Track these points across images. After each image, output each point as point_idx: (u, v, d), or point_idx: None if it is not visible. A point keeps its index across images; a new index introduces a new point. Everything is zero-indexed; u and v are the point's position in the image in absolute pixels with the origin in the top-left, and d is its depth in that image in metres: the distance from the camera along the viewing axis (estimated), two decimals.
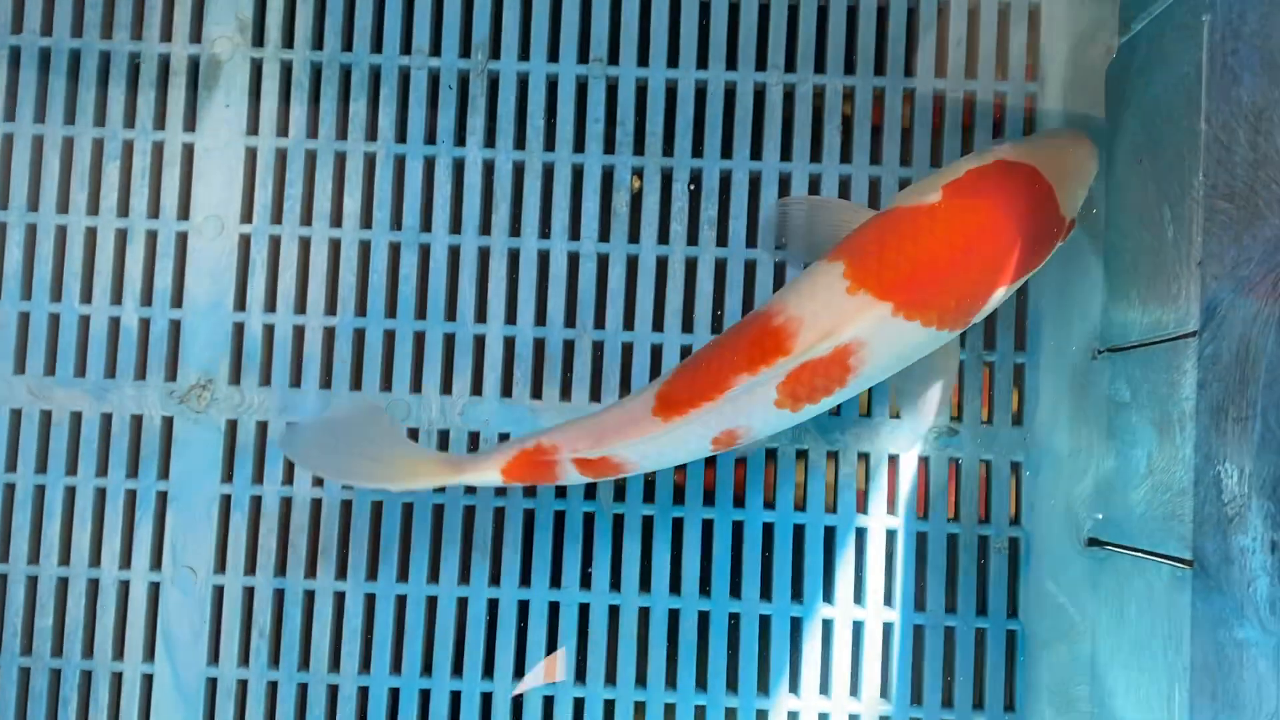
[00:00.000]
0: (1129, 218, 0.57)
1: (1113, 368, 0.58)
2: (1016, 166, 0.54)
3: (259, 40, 0.64)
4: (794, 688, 0.62)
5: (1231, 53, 0.47)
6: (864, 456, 0.63)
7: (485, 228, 0.64)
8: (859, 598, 0.63)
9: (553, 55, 0.65)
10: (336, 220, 0.64)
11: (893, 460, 0.63)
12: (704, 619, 0.62)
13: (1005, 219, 0.53)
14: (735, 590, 0.62)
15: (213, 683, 0.62)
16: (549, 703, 0.62)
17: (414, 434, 0.63)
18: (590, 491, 0.63)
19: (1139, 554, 0.54)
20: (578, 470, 0.55)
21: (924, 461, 0.63)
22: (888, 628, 0.62)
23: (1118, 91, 0.59)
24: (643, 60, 0.65)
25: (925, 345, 0.53)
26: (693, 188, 0.64)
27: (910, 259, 0.52)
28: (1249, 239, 0.45)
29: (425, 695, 0.62)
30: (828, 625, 0.62)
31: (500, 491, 0.63)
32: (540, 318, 0.64)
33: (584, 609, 0.62)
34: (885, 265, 0.52)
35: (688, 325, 0.64)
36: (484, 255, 0.64)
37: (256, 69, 0.64)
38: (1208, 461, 0.47)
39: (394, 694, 0.62)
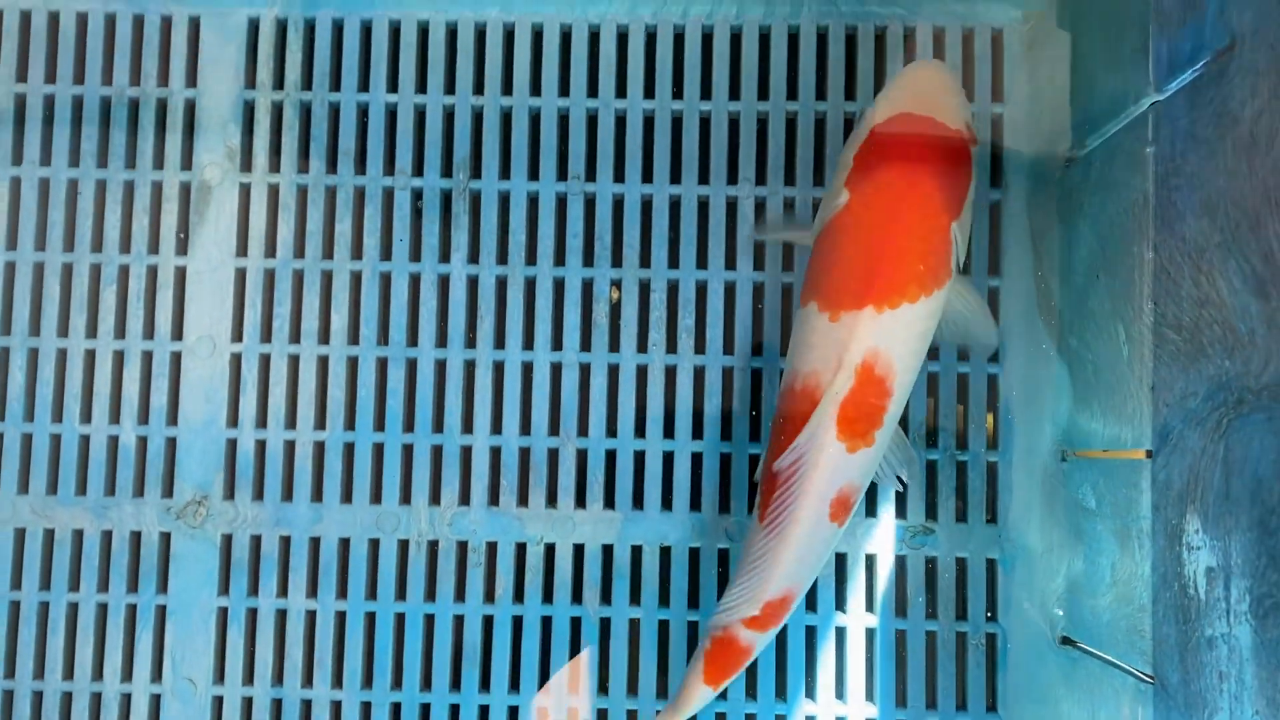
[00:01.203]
0: (1089, 329, 0.59)
1: (1079, 473, 0.60)
2: (890, 124, 0.56)
3: (247, 165, 0.67)
4: None
5: (1175, 189, 0.49)
6: (841, 557, 0.65)
7: (470, 341, 0.66)
8: (840, 694, 0.64)
9: (533, 173, 0.67)
10: (325, 337, 0.66)
11: (870, 560, 0.65)
12: None
13: (910, 174, 0.55)
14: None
15: None
16: None
17: (404, 546, 0.65)
18: (577, 595, 0.65)
19: (1106, 661, 0.56)
20: (754, 629, 0.56)
21: (901, 560, 0.65)
22: None
23: (1076, 202, 0.61)
24: (619, 176, 0.67)
25: (929, 314, 0.55)
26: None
27: (859, 262, 0.54)
28: (1195, 373, 0.47)
29: None
30: None
31: (489, 598, 0.65)
32: (525, 427, 0.66)
33: None
34: (844, 279, 0.54)
35: (669, 431, 0.66)
36: (469, 368, 0.66)
37: (245, 193, 0.67)
38: (1164, 583, 0.49)
39: None
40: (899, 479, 0.59)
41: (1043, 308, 0.64)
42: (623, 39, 0.67)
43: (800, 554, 0.55)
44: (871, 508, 0.65)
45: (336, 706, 0.65)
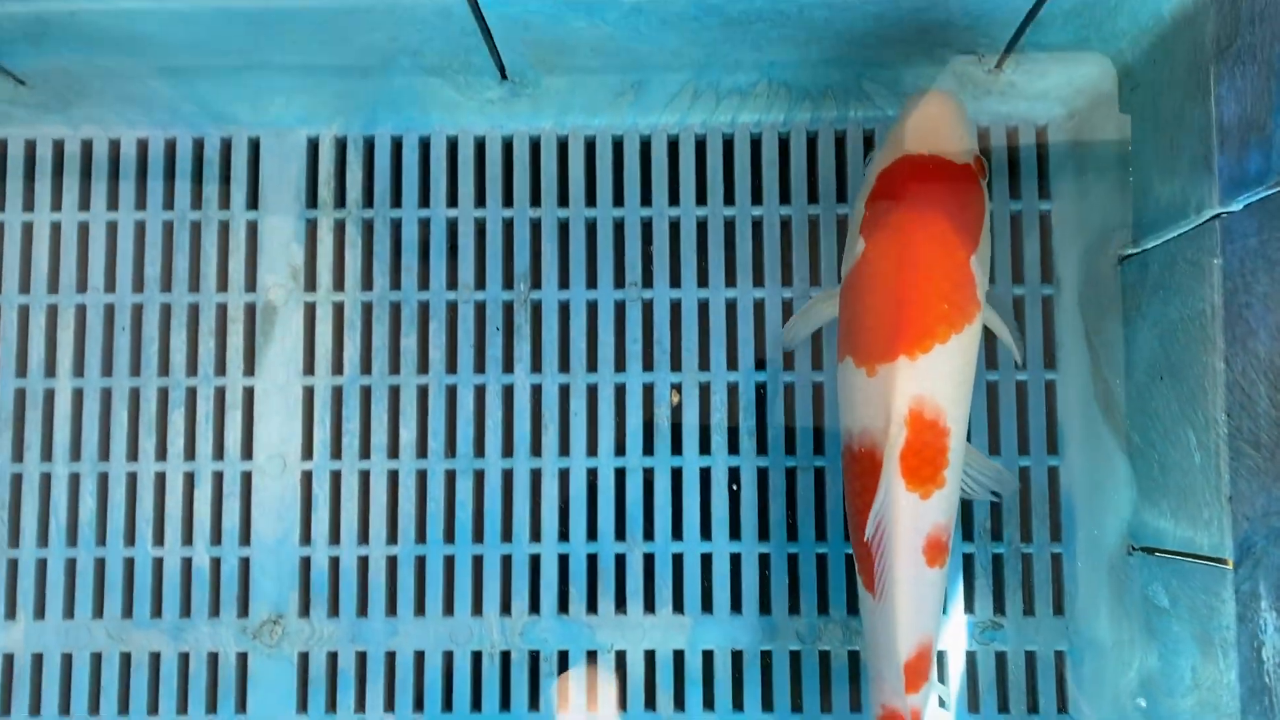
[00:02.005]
0: (1153, 429, 0.60)
1: (1148, 569, 0.61)
2: (895, 166, 0.56)
3: (311, 285, 0.68)
4: None
5: (1246, 305, 0.50)
6: None
7: (535, 449, 0.67)
8: None
9: (591, 282, 0.68)
10: (394, 451, 0.67)
11: (941, 656, 0.65)
12: None
13: (920, 214, 0.55)
14: None
15: None
16: None
17: (477, 657, 0.66)
18: (650, 702, 0.65)
19: None
20: (909, 694, 0.56)
21: (971, 655, 0.65)
22: None
23: (1134, 301, 0.62)
24: (675, 282, 0.68)
25: (964, 348, 0.55)
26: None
27: (882, 312, 0.55)
28: (1279, 493, 0.48)
29: None
30: None
31: (562, 707, 0.65)
32: (591, 533, 0.67)
33: None
34: (872, 332, 0.55)
35: (734, 533, 0.66)
36: (535, 476, 0.67)
37: (310, 312, 0.68)
38: (1253, 695, 0.50)
39: None
40: (994, 494, 0.60)
41: (1101, 401, 0.65)
42: (673, 147, 0.68)
43: (916, 608, 0.56)
44: (942, 604, 0.66)
45: None
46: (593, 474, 0.67)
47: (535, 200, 0.68)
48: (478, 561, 0.66)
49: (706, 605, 0.66)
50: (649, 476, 0.67)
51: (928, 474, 0.55)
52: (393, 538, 0.67)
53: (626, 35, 0.60)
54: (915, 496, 0.55)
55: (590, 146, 0.69)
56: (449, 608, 0.66)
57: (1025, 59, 0.65)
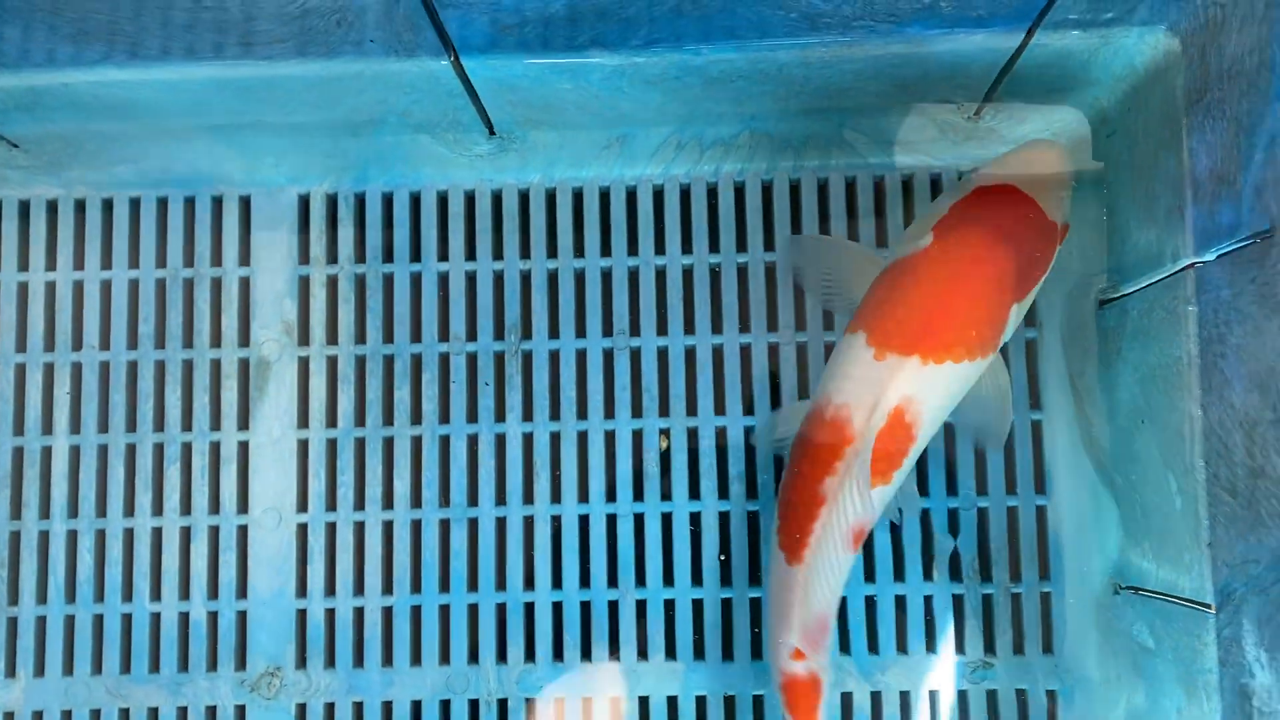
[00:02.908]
0: (1135, 472, 0.61)
1: (1134, 609, 0.61)
2: (995, 189, 0.57)
3: (304, 339, 0.69)
4: None
5: (1221, 355, 0.51)
6: (905, 694, 0.66)
7: (528, 497, 0.68)
8: None
9: (580, 331, 0.69)
10: (388, 503, 0.68)
11: (933, 696, 0.66)
12: None
13: (997, 242, 0.56)
14: None
15: None
16: None
17: (474, 705, 0.66)
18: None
19: None
20: (803, 658, 0.58)
21: (963, 695, 0.66)
22: None
23: (1115, 345, 0.63)
24: (662, 329, 0.69)
25: (966, 378, 0.56)
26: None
27: (920, 308, 0.55)
28: (1255, 542, 0.48)
29: None
30: None
31: None
32: (585, 580, 0.67)
33: None
34: (900, 322, 0.55)
35: (725, 579, 0.67)
36: (528, 524, 0.68)
37: (304, 366, 0.69)
38: None
39: None
40: (899, 512, 0.62)
41: (1086, 442, 0.66)
42: (659, 198, 0.69)
43: (826, 581, 0.57)
44: (931, 643, 0.66)
45: None
46: (584, 521, 0.68)
47: (525, 252, 0.69)
48: (473, 610, 0.67)
49: (699, 651, 0.67)
50: (640, 522, 0.68)
51: (882, 468, 0.56)
52: (388, 588, 0.67)
53: (610, 94, 0.61)
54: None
55: (578, 198, 0.70)
56: (445, 656, 0.67)
57: (1003, 107, 0.66)
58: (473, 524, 0.68)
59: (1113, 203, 0.64)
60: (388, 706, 0.67)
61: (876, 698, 0.66)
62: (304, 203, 0.70)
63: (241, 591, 0.67)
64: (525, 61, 0.56)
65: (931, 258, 0.56)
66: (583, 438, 0.68)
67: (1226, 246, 0.51)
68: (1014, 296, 0.57)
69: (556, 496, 0.68)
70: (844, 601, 0.65)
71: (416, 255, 0.69)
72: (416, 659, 0.67)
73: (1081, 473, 0.66)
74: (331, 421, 0.68)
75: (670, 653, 0.67)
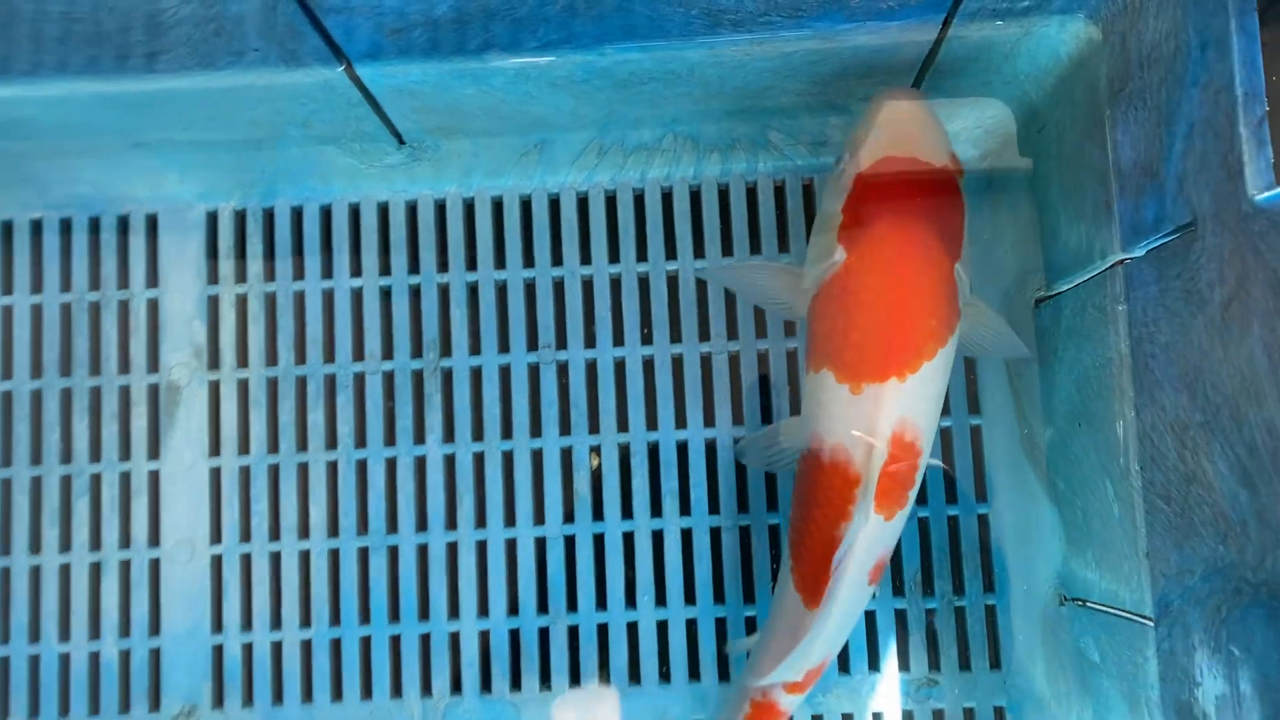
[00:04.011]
0: (1075, 476, 0.58)
1: (1079, 622, 0.59)
2: (875, 170, 0.54)
3: (215, 363, 0.66)
4: None
5: (1151, 355, 0.49)
6: (848, 717, 0.63)
7: (451, 522, 0.65)
8: None
9: (503, 346, 0.66)
10: (304, 532, 0.65)
11: (877, 717, 0.63)
12: None
13: (907, 226, 0.53)
14: None
15: None
16: None
17: None
18: None
19: None
20: (795, 694, 0.56)
21: (908, 715, 0.63)
22: None
23: (1050, 345, 0.61)
24: (589, 342, 0.66)
25: (947, 362, 0.53)
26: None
27: (873, 330, 0.52)
28: (1190, 551, 0.46)
29: None
30: None
31: None
32: (513, 607, 0.64)
33: None
34: (861, 351, 0.52)
35: (660, 599, 0.64)
36: (452, 550, 0.65)
37: (214, 390, 0.66)
38: None
39: None
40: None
41: (1026, 446, 0.64)
42: (583, 205, 0.67)
43: (842, 623, 0.54)
44: (875, 662, 0.64)
45: None
46: (511, 545, 0.65)
47: (442, 265, 0.67)
48: (395, 642, 0.64)
49: (634, 676, 0.64)
50: (570, 545, 0.65)
51: (896, 496, 0.53)
52: (306, 621, 0.64)
53: (518, 99, 0.59)
54: (880, 519, 0.52)
55: (497, 207, 0.67)
56: (367, 691, 0.64)
57: (934, 104, 0.64)
58: (393, 552, 0.65)
59: (1044, 198, 0.62)
60: None
61: None
62: (212, 220, 0.67)
63: (154, 628, 0.64)
64: (418, 67, 0.53)
65: (854, 273, 0.53)
66: (508, 458, 0.66)
67: (1152, 242, 0.49)
68: (952, 260, 0.54)
69: (481, 521, 0.65)
70: None
71: (329, 271, 0.67)
72: (338, 694, 0.64)
73: (1023, 479, 0.64)
74: (244, 448, 0.66)
75: (604, 678, 0.64)
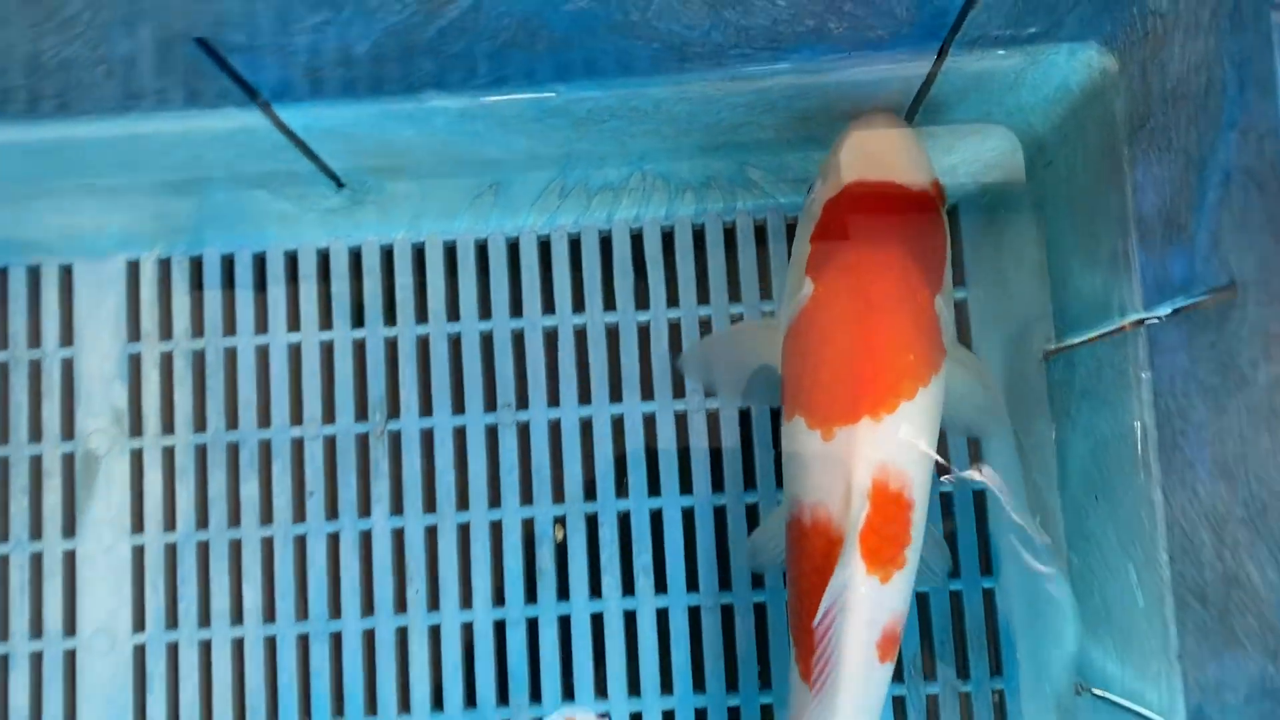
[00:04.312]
0: (1093, 554, 0.52)
1: (1098, 716, 0.53)
2: (844, 195, 0.49)
3: (137, 429, 0.60)
4: None
5: (1181, 433, 0.43)
6: None
7: (400, 605, 0.59)
8: None
9: (457, 406, 0.60)
10: (237, 617, 0.58)
11: None
12: None
13: (878, 253, 0.48)
14: None
15: None
16: None
17: None
18: None
19: None
20: None
21: None
22: None
23: (1062, 405, 0.55)
24: (553, 400, 0.60)
25: (933, 402, 0.48)
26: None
27: (841, 366, 0.47)
28: (1231, 663, 0.40)
29: None
30: None
31: None
32: (470, 699, 0.58)
33: None
34: (829, 390, 0.47)
35: (633, 688, 0.58)
36: (402, 636, 0.59)
37: (137, 460, 0.59)
38: None
39: None
40: (934, 573, 0.52)
41: (1036, 511, 0.58)
42: (545, 249, 0.61)
43: (857, 706, 0.47)
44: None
45: None
46: (468, 629, 0.59)
47: (390, 317, 0.60)
48: None
49: None
50: (533, 627, 0.59)
51: (889, 554, 0.46)
52: (240, 715, 0.58)
53: (466, 140, 0.53)
54: (874, 580, 0.46)
55: (450, 253, 0.61)
56: None
57: (927, 133, 0.58)
58: (336, 639, 0.58)
59: (1053, 240, 0.56)
60: None
61: None
62: (133, 270, 0.60)
63: None
64: (348, 108, 0.47)
65: (823, 305, 0.48)
66: (464, 531, 0.59)
67: (1179, 303, 0.43)
68: (930, 292, 0.48)
69: (434, 602, 0.59)
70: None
71: (263, 325, 0.60)
72: None
73: (1030, 550, 0.57)
74: (170, 523, 0.59)
75: None
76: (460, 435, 0.60)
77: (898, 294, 0.48)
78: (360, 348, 0.60)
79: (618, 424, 0.60)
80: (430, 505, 0.60)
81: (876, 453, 0.46)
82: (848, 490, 0.46)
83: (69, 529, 0.59)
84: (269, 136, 0.50)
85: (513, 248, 0.61)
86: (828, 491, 0.47)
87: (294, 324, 0.60)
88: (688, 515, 0.59)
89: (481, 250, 0.61)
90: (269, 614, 0.59)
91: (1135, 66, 0.45)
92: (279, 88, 0.45)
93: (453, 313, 0.61)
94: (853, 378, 0.47)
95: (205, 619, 0.58)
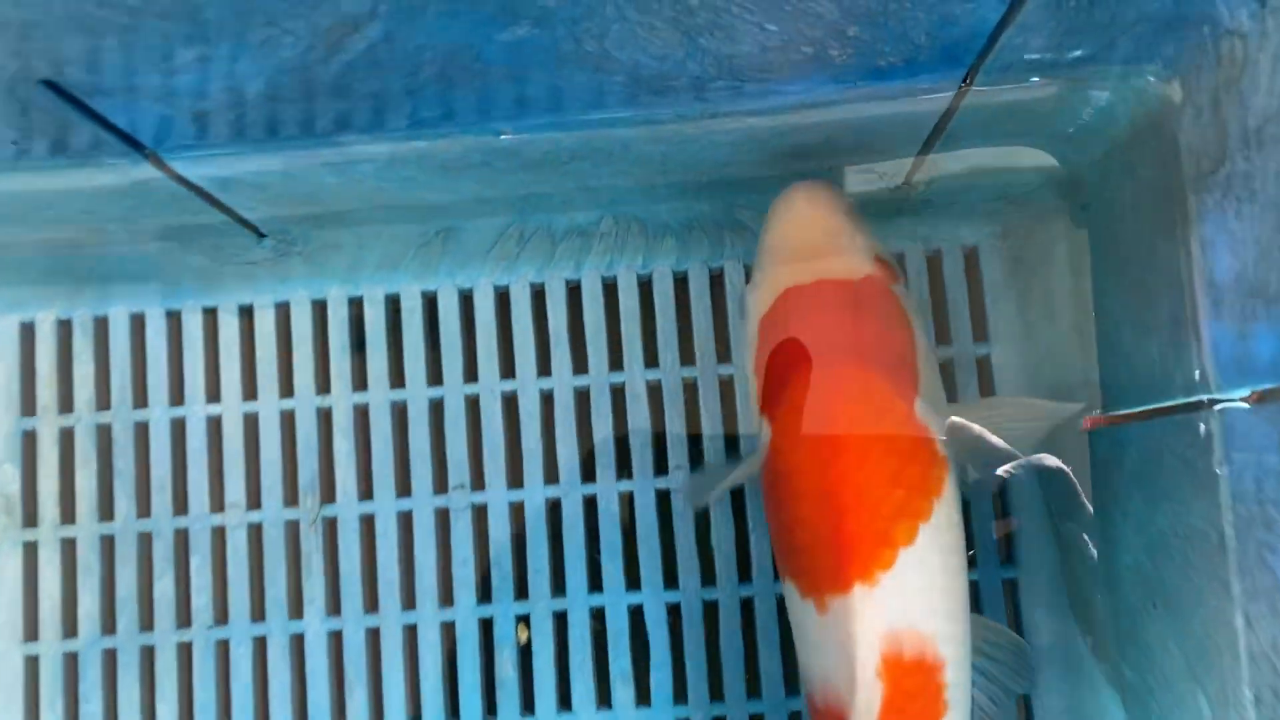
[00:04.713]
0: (1150, 671, 0.44)
1: None
2: (778, 310, 0.41)
3: (31, 519, 0.51)
4: None
5: (1268, 549, 0.35)
6: None
7: (339, 718, 0.51)
8: None
9: (402, 488, 0.52)
10: None
11: None
12: None
13: (833, 373, 0.40)
14: None
15: None
16: None
17: None
18: None
19: None
20: None
21: None
22: None
23: (1111, 487, 0.47)
24: (514, 480, 0.52)
25: (944, 527, 0.39)
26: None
27: (819, 526, 0.39)
28: None
29: None
30: None
31: None
32: None
33: None
34: (810, 555, 0.40)
35: None
36: None
37: (31, 554, 0.51)
38: None
39: None
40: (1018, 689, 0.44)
41: (1077, 610, 0.50)
42: (503, 302, 0.53)
43: None
44: None
45: None
46: None
47: (324, 384, 0.52)
48: None
49: None
50: None
51: None
52: None
53: (399, 186, 0.45)
54: None
55: (394, 310, 0.53)
56: None
57: (940, 168, 0.50)
58: None
59: (1090, 297, 0.48)
60: None
61: None
62: (27, 334, 0.52)
63: None
64: (252, 157, 0.39)
65: (782, 454, 0.41)
66: (410, 635, 0.51)
67: (1266, 386, 0.35)
68: (906, 400, 0.40)
69: (377, 716, 0.51)
70: None
71: (178, 396, 0.52)
72: None
73: (1073, 656, 0.49)
74: (70, 629, 0.51)
75: None
76: (406, 521, 0.52)
77: (867, 420, 0.40)
78: (290, 420, 0.52)
79: (590, 505, 0.52)
80: (372, 604, 0.52)
81: (880, 622, 0.38)
82: (853, 672, 0.38)
83: None
84: (166, 188, 0.42)
85: (466, 300, 0.53)
86: (834, 671, 0.39)
87: (213, 393, 0.52)
88: (673, 612, 0.51)
89: (430, 304, 0.53)
90: None
91: (1204, 96, 0.37)
92: (163, 135, 0.37)
93: (396, 378, 0.53)
94: (832, 538, 0.39)
95: None
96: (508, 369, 0.53)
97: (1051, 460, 0.50)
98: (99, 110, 0.34)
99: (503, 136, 0.39)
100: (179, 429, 0.52)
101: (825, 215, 0.42)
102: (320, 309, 0.53)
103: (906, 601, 0.38)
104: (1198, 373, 0.39)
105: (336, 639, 0.51)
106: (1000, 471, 0.50)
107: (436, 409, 0.53)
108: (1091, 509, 0.49)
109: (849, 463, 0.39)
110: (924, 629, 0.38)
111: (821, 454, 0.39)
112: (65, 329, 0.52)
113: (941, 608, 0.39)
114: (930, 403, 0.41)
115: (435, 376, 0.53)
